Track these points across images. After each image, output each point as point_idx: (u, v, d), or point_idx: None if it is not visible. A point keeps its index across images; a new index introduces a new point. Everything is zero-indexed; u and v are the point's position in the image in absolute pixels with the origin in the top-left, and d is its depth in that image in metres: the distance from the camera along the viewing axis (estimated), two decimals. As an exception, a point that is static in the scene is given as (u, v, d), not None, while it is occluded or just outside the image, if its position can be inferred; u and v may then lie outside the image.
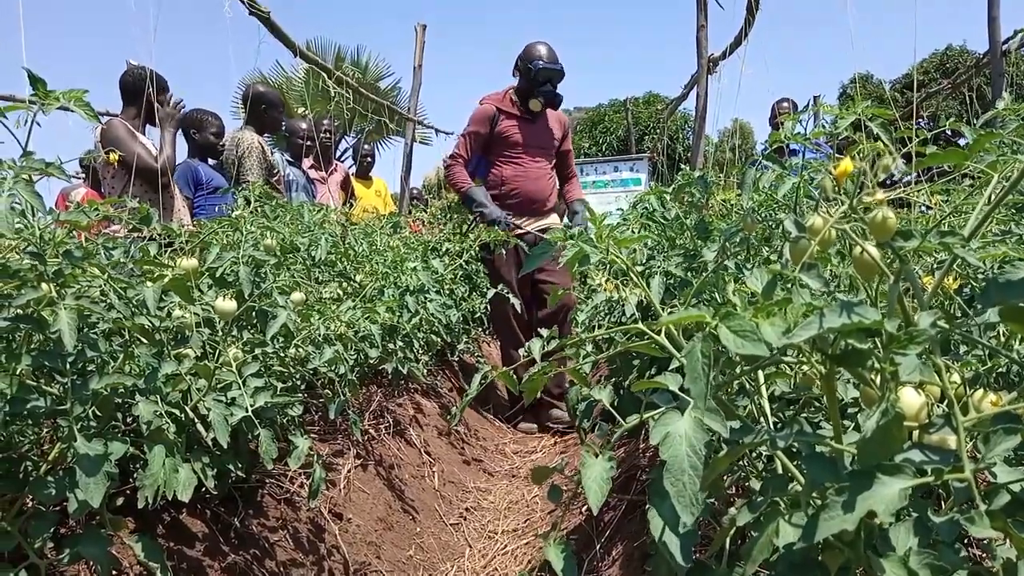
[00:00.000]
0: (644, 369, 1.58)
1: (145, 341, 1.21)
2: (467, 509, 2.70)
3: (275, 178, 4.24)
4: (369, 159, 6.17)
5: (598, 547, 1.93)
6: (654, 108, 18.05)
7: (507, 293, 3.11)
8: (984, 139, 0.92)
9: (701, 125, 4.27)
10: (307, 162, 4.99)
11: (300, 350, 1.72)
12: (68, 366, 1.05)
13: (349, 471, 2.29)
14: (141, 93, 3.37)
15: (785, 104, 4.92)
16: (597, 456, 0.90)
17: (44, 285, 1.04)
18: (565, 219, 4.23)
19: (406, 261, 2.33)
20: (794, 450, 0.76)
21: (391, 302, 2.01)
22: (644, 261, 1.78)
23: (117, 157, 1.81)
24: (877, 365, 0.60)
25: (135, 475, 1.50)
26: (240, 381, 1.49)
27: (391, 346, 2.50)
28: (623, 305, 1.49)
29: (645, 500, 1.98)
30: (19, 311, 1.01)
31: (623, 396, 1.50)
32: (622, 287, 1.36)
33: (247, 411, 1.48)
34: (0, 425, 0.99)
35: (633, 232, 1.68)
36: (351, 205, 5.68)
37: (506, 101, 3.87)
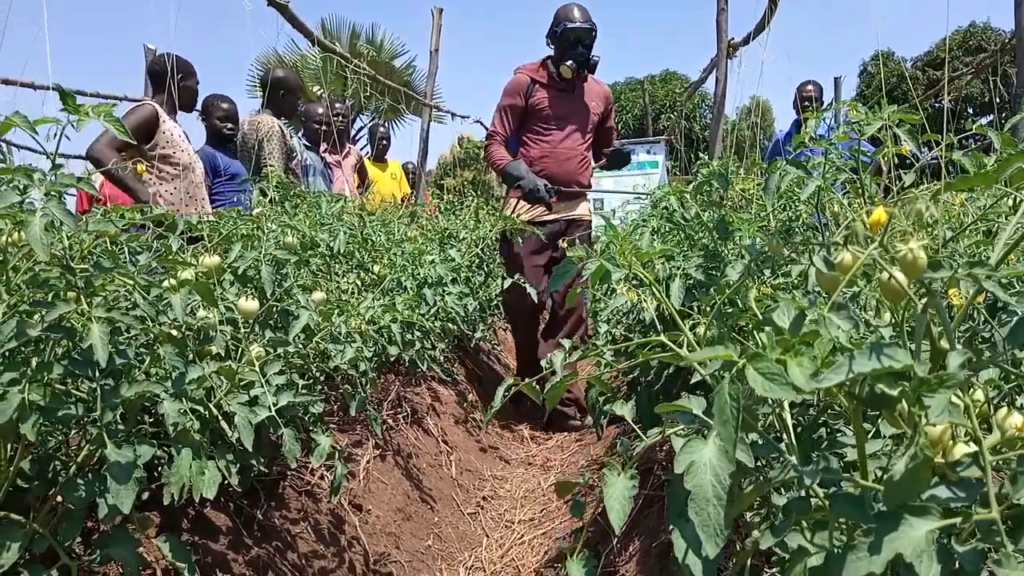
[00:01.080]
0: (662, 372, 1.58)
1: (172, 347, 1.23)
2: (484, 498, 2.73)
3: (294, 162, 4.25)
4: (384, 142, 6.16)
5: (615, 542, 1.94)
6: (671, 86, 17.88)
7: (524, 283, 3.11)
8: (1015, 159, 0.91)
9: (720, 110, 4.23)
10: (323, 146, 5.00)
11: (321, 346, 1.74)
12: (99, 374, 1.07)
13: (368, 462, 2.32)
14: (167, 76, 3.37)
15: (809, 87, 4.84)
16: (619, 474, 0.91)
17: (73, 294, 1.05)
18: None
19: (424, 254, 2.33)
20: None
21: (410, 299, 2.02)
22: (664, 261, 1.77)
23: (144, 168, 1.81)
24: (906, 406, 0.60)
25: (160, 471, 1.53)
26: (263, 380, 1.51)
27: (409, 336, 2.52)
28: (642, 309, 1.50)
29: (662, 495, 2.00)
30: (51, 322, 1.02)
31: (641, 401, 1.51)
32: (642, 293, 1.36)
33: (270, 410, 1.50)
34: (34, 435, 1.01)
35: (653, 237, 1.67)
36: (366, 189, 5.70)
37: (541, 71, 3.52)
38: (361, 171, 5.59)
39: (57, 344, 1.09)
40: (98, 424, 1.13)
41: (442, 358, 3.27)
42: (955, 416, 0.60)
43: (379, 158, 6.12)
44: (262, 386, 1.53)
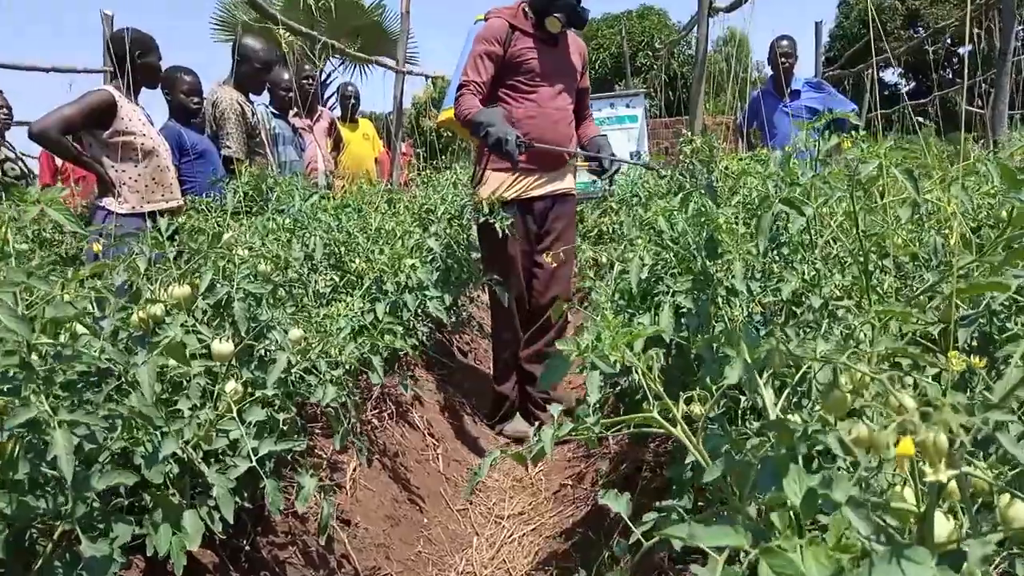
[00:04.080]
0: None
1: (144, 422, 1.17)
2: (472, 491, 2.73)
3: (256, 139, 4.09)
4: (353, 101, 5.97)
5: (606, 554, 1.95)
6: (648, 22, 17.46)
7: (503, 282, 2.94)
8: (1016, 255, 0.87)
9: (701, 71, 4.11)
10: (292, 111, 4.82)
11: (300, 385, 1.69)
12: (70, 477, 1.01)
13: (355, 469, 2.30)
14: (127, 56, 3.20)
15: (784, 43, 4.74)
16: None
17: (34, 398, 0.99)
18: (580, 175, 3.42)
19: (403, 259, 2.26)
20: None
21: (393, 323, 1.96)
22: (651, 283, 1.73)
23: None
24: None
25: (143, 520, 1.49)
26: (242, 432, 1.46)
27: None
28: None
29: (649, 503, 2.00)
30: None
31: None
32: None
33: (251, 460, 1.46)
34: (2, 549, 0.96)
35: (642, 258, 1.61)
36: (340, 152, 5.55)
37: (519, 16, 2.99)
38: (332, 132, 5.43)
39: (20, 442, 1.03)
40: (70, 519, 1.08)
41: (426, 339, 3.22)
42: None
43: (349, 118, 5.94)
44: (239, 431, 1.48)
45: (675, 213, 1.67)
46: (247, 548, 1.78)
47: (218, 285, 1.64)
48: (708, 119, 10.98)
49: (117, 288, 1.55)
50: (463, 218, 3.48)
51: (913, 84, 23.54)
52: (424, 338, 3.48)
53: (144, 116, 3.32)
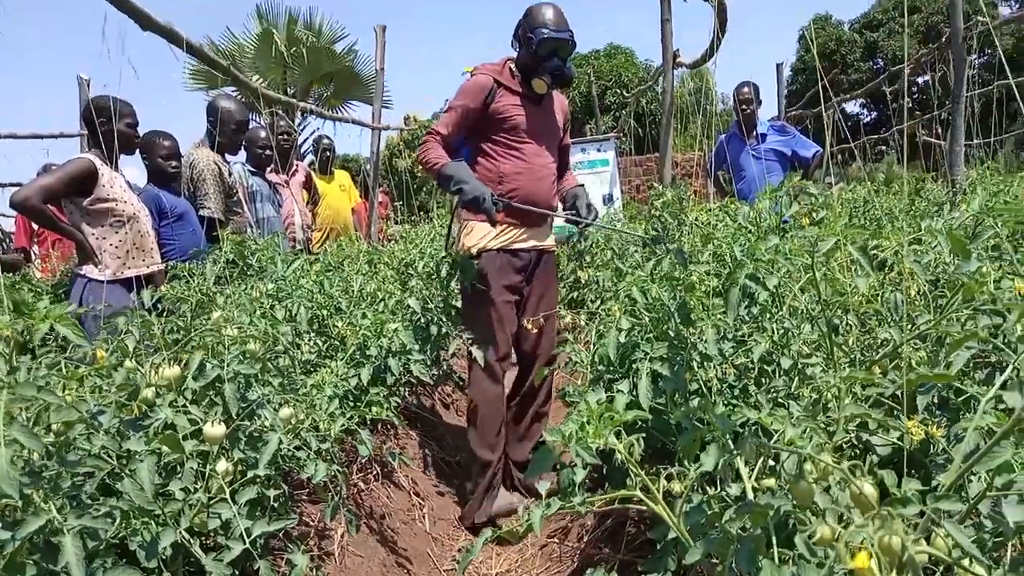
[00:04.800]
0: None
1: (143, 516, 1.21)
2: (459, 550, 2.75)
3: (234, 199, 4.14)
4: (328, 153, 6.05)
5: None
6: (616, 61, 17.85)
7: (484, 347, 2.80)
8: (958, 342, 0.95)
9: (668, 120, 4.25)
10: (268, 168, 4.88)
11: (290, 462, 1.73)
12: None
13: (343, 536, 2.32)
14: (96, 124, 3.24)
15: (746, 90, 4.90)
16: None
17: (43, 504, 1.03)
18: (556, 222, 3.32)
19: (386, 323, 2.32)
20: None
21: (378, 394, 2.01)
22: (629, 348, 1.79)
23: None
24: None
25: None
26: (235, 512, 1.49)
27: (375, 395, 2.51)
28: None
29: (635, 561, 2.04)
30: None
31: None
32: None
33: (244, 542, 1.49)
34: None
35: (619, 328, 1.69)
36: (316, 204, 5.61)
37: (506, 73, 3.00)
38: (308, 185, 5.49)
39: (25, 548, 1.06)
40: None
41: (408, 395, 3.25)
42: None
43: (325, 170, 6.01)
44: (231, 510, 1.51)
45: (648, 282, 1.74)
46: (240, 624, 1.79)
47: (208, 366, 1.68)
48: (677, 155, 11.25)
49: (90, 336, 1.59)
50: (441, 273, 3.52)
51: (875, 114, 24.20)
52: (406, 394, 3.52)
53: (124, 182, 3.36)
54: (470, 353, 2.86)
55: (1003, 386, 0.91)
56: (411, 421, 3.42)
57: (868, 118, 23.92)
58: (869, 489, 0.81)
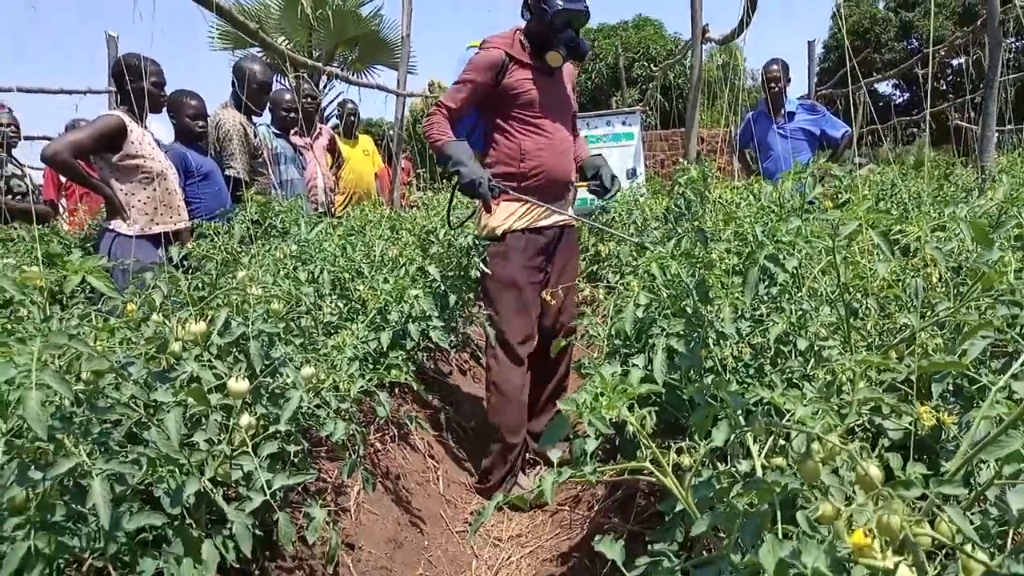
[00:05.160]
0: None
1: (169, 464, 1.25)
2: (472, 512, 2.81)
3: (259, 159, 4.18)
4: (353, 118, 6.06)
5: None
6: (644, 32, 17.60)
7: (508, 330, 2.77)
8: (974, 330, 0.95)
9: (695, 95, 4.21)
10: (292, 130, 4.90)
11: (311, 418, 1.77)
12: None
13: (359, 493, 2.37)
14: (125, 82, 3.28)
15: (775, 68, 4.84)
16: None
17: (71, 446, 1.07)
18: (580, 193, 3.43)
19: (407, 289, 2.35)
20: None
21: (398, 358, 2.05)
22: (646, 323, 1.81)
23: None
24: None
25: (161, 551, 1.57)
26: (256, 465, 1.54)
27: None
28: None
29: (644, 532, 2.08)
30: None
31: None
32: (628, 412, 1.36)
33: (265, 493, 1.53)
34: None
35: (637, 302, 1.70)
36: (339, 168, 5.64)
37: (516, 46, 2.91)
38: (332, 148, 5.51)
39: (56, 489, 1.11)
40: (102, 556, 1.16)
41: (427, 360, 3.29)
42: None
43: (350, 134, 6.03)
44: (253, 465, 1.56)
45: (668, 258, 1.75)
46: (257, 574, 1.86)
47: (233, 324, 1.72)
48: (704, 131, 11.12)
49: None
50: (459, 244, 3.52)
51: (907, 95, 23.74)
52: (425, 359, 3.56)
53: (153, 139, 3.40)
54: (491, 334, 2.84)
55: (1015, 376, 0.92)
56: (428, 385, 3.47)
57: (900, 99, 23.50)
58: (875, 471, 0.83)
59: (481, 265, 2.88)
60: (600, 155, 3.22)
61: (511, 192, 2.84)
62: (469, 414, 3.61)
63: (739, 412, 1.07)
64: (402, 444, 2.87)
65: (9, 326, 1.23)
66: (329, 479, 2.37)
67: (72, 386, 1.01)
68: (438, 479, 2.87)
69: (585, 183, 3.11)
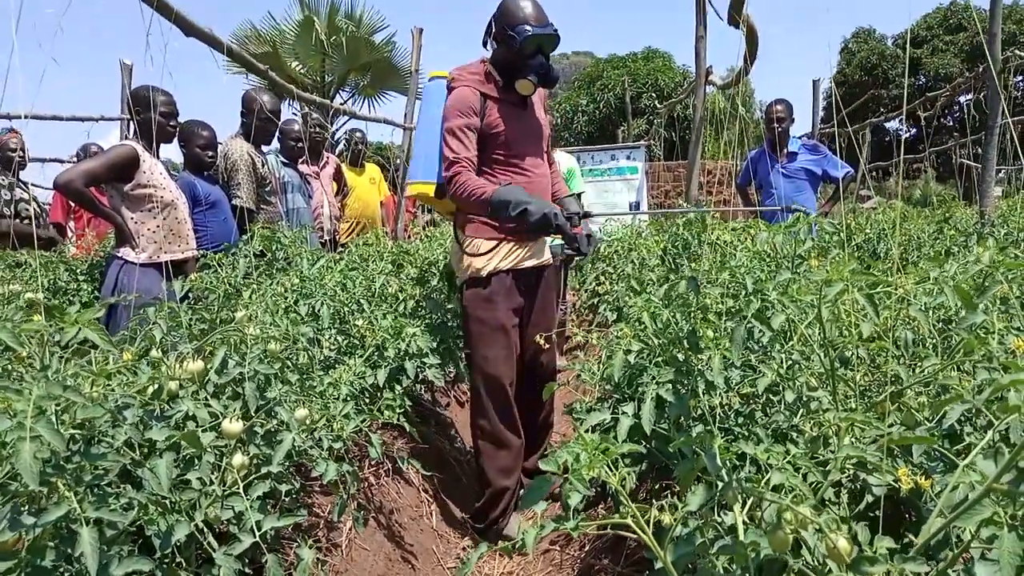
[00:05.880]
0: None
1: (160, 509, 1.27)
2: (463, 548, 2.81)
3: (267, 188, 4.24)
4: (360, 147, 6.14)
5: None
6: (653, 64, 17.78)
7: (492, 369, 2.69)
8: (948, 400, 0.97)
9: (698, 136, 4.26)
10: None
11: (304, 457, 1.79)
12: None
13: (351, 529, 2.38)
14: (141, 113, 3.35)
15: (779, 107, 4.89)
16: None
17: (64, 491, 1.09)
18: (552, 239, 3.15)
19: (404, 328, 2.38)
20: None
21: (393, 398, 2.07)
22: (636, 370, 1.83)
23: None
24: None
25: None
26: (247, 505, 1.56)
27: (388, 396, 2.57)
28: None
29: (633, 575, 2.08)
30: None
31: None
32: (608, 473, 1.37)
33: (255, 535, 1.55)
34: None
35: (627, 350, 1.73)
36: (345, 196, 5.71)
37: (485, 81, 2.78)
38: (338, 177, 5.59)
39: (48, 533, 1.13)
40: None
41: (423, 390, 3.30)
42: None
43: (356, 163, 6.10)
44: (244, 505, 1.58)
45: (660, 307, 1.77)
46: (246, 611, 1.86)
47: (231, 363, 1.75)
48: (709, 162, 11.19)
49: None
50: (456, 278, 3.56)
51: (914, 130, 23.84)
52: (422, 390, 3.58)
53: (164, 170, 3.45)
54: (479, 380, 2.77)
55: (983, 452, 0.94)
56: (424, 418, 3.49)
57: (907, 134, 23.59)
58: (843, 543, 0.85)
59: (467, 308, 2.78)
60: (578, 197, 3.10)
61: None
62: (465, 447, 3.62)
63: (719, 473, 1.09)
64: (396, 478, 2.88)
65: (8, 367, 1.26)
66: (322, 514, 2.38)
67: (64, 437, 1.04)
68: (431, 514, 2.87)
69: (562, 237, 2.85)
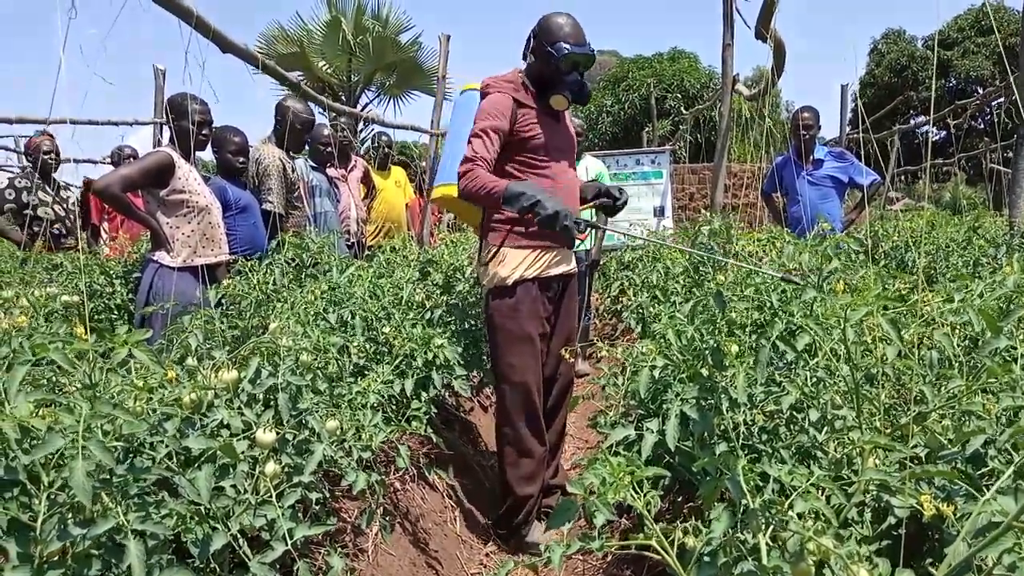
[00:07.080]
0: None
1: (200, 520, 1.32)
2: (487, 554, 2.85)
3: (296, 194, 4.31)
4: (387, 149, 6.20)
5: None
6: (679, 65, 17.70)
7: (518, 377, 2.71)
8: (969, 433, 0.99)
9: (724, 144, 4.26)
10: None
11: (334, 466, 1.84)
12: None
13: (377, 534, 2.43)
14: (177, 120, 3.42)
15: (806, 115, 4.85)
16: None
17: (109, 503, 1.14)
18: (585, 213, 3.26)
19: (433, 338, 2.42)
20: None
21: (419, 409, 2.12)
22: (661, 387, 1.85)
23: None
24: None
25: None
26: (279, 513, 1.60)
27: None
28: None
29: (656, 587, 2.11)
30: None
31: None
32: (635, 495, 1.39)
33: (286, 543, 1.60)
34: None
35: (653, 367, 1.75)
36: (372, 199, 5.77)
37: (521, 89, 2.85)
38: (366, 180, 5.65)
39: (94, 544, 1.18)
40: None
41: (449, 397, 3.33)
42: None
43: (383, 166, 6.16)
44: (277, 514, 1.63)
45: (685, 324, 1.79)
46: (276, 614, 1.92)
47: (264, 373, 1.80)
48: (735, 165, 11.14)
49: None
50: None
51: (944, 133, 23.49)
52: (447, 395, 3.62)
53: (198, 176, 3.53)
54: (506, 390, 2.81)
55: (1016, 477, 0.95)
56: (448, 423, 3.53)
57: (937, 136, 23.28)
58: (864, 575, 0.87)
59: (492, 317, 2.79)
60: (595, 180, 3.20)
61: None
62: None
63: (741, 499, 1.11)
64: (421, 483, 2.92)
65: (54, 378, 1.31)
66: (349, 519, 2.43)
67: (113, 454, 1.09)
68: (455, 519, 2.92)
69: (591, 204, 3.01)
